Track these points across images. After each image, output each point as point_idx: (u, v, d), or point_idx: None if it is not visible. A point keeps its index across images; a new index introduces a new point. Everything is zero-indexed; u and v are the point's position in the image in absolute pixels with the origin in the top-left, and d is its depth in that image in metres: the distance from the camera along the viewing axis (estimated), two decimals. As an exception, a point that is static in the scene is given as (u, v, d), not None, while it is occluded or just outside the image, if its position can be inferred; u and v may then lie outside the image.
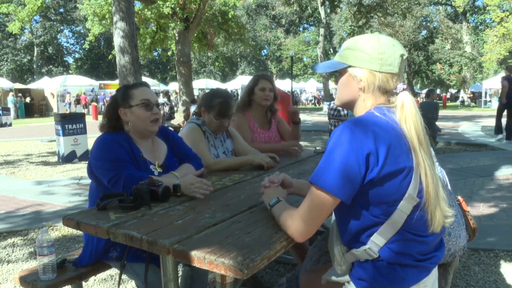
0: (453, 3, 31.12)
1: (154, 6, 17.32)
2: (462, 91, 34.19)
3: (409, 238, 1.23)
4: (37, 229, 3.86)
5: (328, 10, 29.18)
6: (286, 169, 2.44)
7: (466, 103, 30.93)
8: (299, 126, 3.23)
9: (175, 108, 15.25)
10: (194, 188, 1.79)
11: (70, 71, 44.45)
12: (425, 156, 1.20)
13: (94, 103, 23.49)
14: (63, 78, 28.08)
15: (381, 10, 27.40)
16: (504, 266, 2.94)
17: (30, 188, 5.64)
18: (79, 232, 3.44)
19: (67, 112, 21.51)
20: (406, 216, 1.20)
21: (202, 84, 33.77)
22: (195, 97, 18.17)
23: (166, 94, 13.98)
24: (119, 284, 1.81)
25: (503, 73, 12.11)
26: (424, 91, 15.28)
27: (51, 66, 44.26)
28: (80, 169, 7.11)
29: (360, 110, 1.31)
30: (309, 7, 31.53)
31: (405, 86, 1.26)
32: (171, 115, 11.87)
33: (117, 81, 14.05)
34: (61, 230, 3.82)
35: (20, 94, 25.30)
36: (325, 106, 22.88)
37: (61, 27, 45.41)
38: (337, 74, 1.37)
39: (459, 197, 2.00)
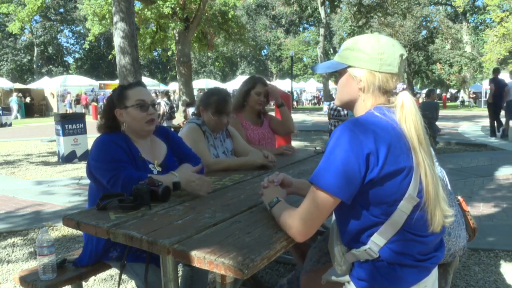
0: (453, 3, 31.11)
1: (154, 6, 17.32)
2: (462, 91, 34.19)
3: (409, 238, 1.23)
4: (37, 229, 3.86)
5: (328, 10, 29.18)
6: (286, 169, 2.44)
7: (466, 103, 30.93)
8: (284, 108, 3.23)
9: (175, 108, 15.24)
10: (195, 186, 1.80)
11: (70, 71, 44.45)
12: (425, 156, 1.21)
13: (94, 103, 23.49)
14: (63, 78, 28.07)
15: (381, 10, 27.40)
16: (504, 266, 2.94)
17: (30, 188, 5.64)
18: (79, 232, 3.44)
19: (68, 112, 21.56)
20: (406, 216, 1.20)
21: (202, 84, 33.76)
22: (195, 98, 18.17)
23: (166, 94, 13.97)
24: (119, 284, 1.81)
25: (503, 73, 12.54)
26: (424, 91, 15.30)
27: (51, 66, 44.26)
28: (80, 169, 7.11)
29: (360, 110, 1.31)
30: (309, 7, 31.53)
31: (404, 86, 1.26)
32: (171, 115, 11.87)
33: (117, 81, 14.04)
34: (61, 230, 3.82)
35: (20, 94, 25.30)
36: (325, 106, 22.88)
37: (61, 27, 45.42)
38: (337, 74, 1.38)
39: (459, 197, 2.00)
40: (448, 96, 37.38)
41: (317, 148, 3.20)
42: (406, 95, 1.25)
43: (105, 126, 1.97)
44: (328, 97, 26.34)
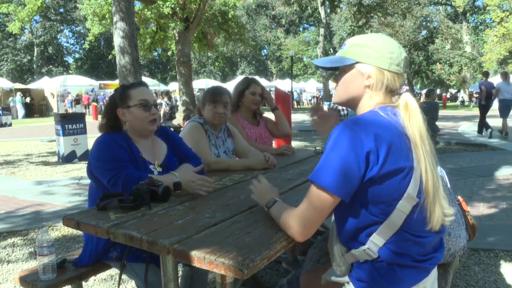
0: (453, 3, 31.11)
1: (154, 6, 17.32)
2: (462, 91, 34.18)
3: (408, 238, 1.23)
4: (37, 229, 3.86)
5: (328, 10, 29.16)
6: (286, 169, 2.44)
7: (466, 103, 30.92)
8: (278, 112, 3.29)
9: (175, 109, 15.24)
10: (196, 186, 1.80)
11: (70, 71, 44.44)
12: (426, 154, 1.21)
13: (94, 103, 23.49)
14: (63, 78, 28.07)
15: (381, 10, 27.39)
16: (504, 266, 2.94)
17: (30, 188, 5.64)
18: (79, 232, 3.44)
19: (68, 112, 21.55)
20: (405, 216, 1.20)
21: (202, 84, 33.76)
22: (195, 98, 18.16)
23: (167, 94, 13.96)
24: (119, 284, 1.81)
25: None
26: (424, 91, 15.35)
27: (51, 66, 44.26)
28: (80, 169, 7.11)
29: (364, 107, 1.31)
30: (309, 7, 31.52)
31: (407, 88, 1.28)
32: (171, 115, 11.87)
33: (117, 81, 14.03)
34: (61, 230, 3.82)
35: (21, 94, 25.31)
36: (325, 106, 22.88)
37: (61, 27, 45.41)
38: (337, 72, 1.37)
39: (459, 197, 2.00)
40: (448, 96, 37.36)
41: (317, 148, 3.20)
42: (409, 96, 1.27)
43: (106, 125, 1.97)
44: (328, 97, 26.33)
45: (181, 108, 20.48)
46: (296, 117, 18.27)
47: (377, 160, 1.16)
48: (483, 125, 10.74)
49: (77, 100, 25.68)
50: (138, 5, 17.06)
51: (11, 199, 5.08)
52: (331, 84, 29.89)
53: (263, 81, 33.77)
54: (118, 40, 7.41)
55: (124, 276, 2.14)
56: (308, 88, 39.39)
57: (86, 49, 36.92)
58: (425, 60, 33.24)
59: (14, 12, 16.74)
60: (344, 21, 31.39)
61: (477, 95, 32.29)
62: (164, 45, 23.07)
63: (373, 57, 1.26)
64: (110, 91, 26.47)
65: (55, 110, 24.96)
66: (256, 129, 3.15)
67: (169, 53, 25.10)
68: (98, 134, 1.97)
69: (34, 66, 41.99)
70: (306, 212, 1.24)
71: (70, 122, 7.92)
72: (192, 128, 2.49)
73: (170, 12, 18.14)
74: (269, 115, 3.40)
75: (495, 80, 14.02)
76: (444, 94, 34.82)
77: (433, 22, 33.76)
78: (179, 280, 1.70)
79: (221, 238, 1.31)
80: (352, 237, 1.27)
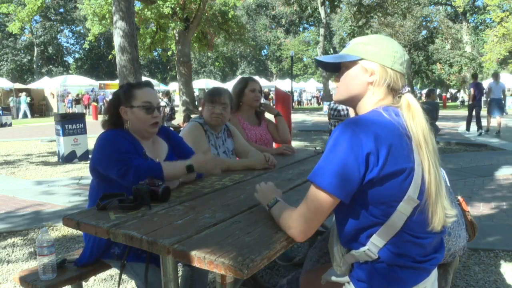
0: (453, 3, 31.12)
1: (154, 6, 17.33)
2: (462, 91, 34.17)
3: (408, 239, 1.23)
4: (37, 229, 3.86)
5: (328, 10, 29.17)
6: (286, 169, 2.44)
7: (466, 103, 30.93)
8: (281, 118, 3.29)
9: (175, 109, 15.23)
10: (208, 166, 1.92)
11: (70, 71, 44.45)
12: (430, 154, 1.21)
13: (94, 103, 23.49)
14: (63, 78, 28.07)
15: (381, 10, 27.40)
16: (504, 266, 2.94)
17: (30, 188, 5.64)
18: (79, 232, 3.44)
19: (68, 111, 21.57)
20: (405, 218, 1.20)
21: (202, 84, 33.76)
22: (195, 98, 18.16)
23: (167, 94, 13.96)
24: (119, 284, 1.81)
25: (503, 73, 13.79)
26: (424, 91, 15.40)
27: (51, 66, 44.27)
28: (80, 169, 7.11)
29: (365, 105, 1.30)
30: (309, 7, 31.53)
31: (409, 88, 1.28)
32: (171, 116, 11.87)
33: (117, 81, 14.03)
34: (61, 230, 3.82)
35: (20, 94, 25.32)
36: (325, 106, 22.87)
37: (61, 27, 45.43)
38: (338, 72, 1.36)
39: (459, 197, 2.00)
40: (448, 96, 37.36)
41: (317, 148, 3.21)
42: (411, 96, 1.27)
43: (109, 122, 1.97)
44: (328, 97, 26.32)
45: (181, 108, 20.48)
46: (296, 117, 18.27)
47: (377, 162, 1.15)
48: (470, 123, 11.69)
49: (77, 100, 25.69)
50: (138, 5, 17.07)
51: (11, 199, 5.08)
52: (331, 84, 29.92)
53: (263, 81, 33.79)
54: (118, 40, 7.41)
55: (124, 276, 2.14)
56: (308, 88, 39.40)
57: (86, 49, 36.93)
58: (425, 60, 33.24)
59: (14, 12, 16.76)
60: (344, 21, 31.40)
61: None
62: (164, 45, 23.08)
63: (377, 54, 1.27)
64: (110, 91, 26.50)
65: (55, 110, 24.96)
66: (257, 130, 3.14)
67: (169, 53, 25.11)
68: (98, 134, 1.97)
69: (34, 66, 42.00)
70: (305, 212, 1.24)
71: (70, 122, 7.92)
72: (191, 128, 2.49)
73: (170, 12, 18.15)
74: (270, 116, 3.39)
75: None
76: (444, 94, 34.82)
77: (433, 22, 33.78)
78: (179, 280, 1.70)
79: (221, 238, 1.31)
80: (352, 238, 1.27)
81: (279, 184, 1.94)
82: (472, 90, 11.36)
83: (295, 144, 9.12)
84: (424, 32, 33.64)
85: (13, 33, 17.99)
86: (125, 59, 7.38)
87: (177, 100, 25.40)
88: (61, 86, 26.10)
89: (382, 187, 1.17)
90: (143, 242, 1.32)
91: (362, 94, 1.31)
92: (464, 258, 3.04)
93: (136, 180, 1.71)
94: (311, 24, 48.45)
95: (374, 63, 1.27)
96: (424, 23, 33.35)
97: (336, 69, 1.38)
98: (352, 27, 28.53)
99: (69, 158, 7.88)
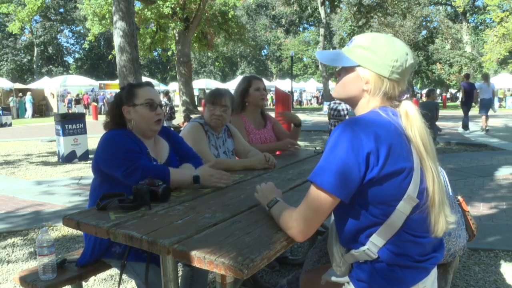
0: (453, 3, 31.13)
1: (154, 6, 17.34)
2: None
3: (408, 239, 1.23)
4: (37, 229, 3.86)
5: (328, 10, 29.18)
6: (286, 169, 2.44)
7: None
8: (299, 129, 3.24)
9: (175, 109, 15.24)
10: (214, 179, 1.92)
11: (70, 71, 44.46)
12: (431, 164, 1.21)
13: (94, 103, 23.49)
14: (63, 78, 28.06)
15: (381, 10, 27.41)
16: (504, 266, 2.94)
17: (30, 188, 5.64)
18: (79, 232, 3.44)
19: (68, 111, 21.57)
20: (405, 217, 1.20)
21: (202, 84, 33.77)
22: (195, 98, 18.17)
23: (166, 94, 13.97)
24: (119, 284, 1.81)
25: (503, 73, 14.10)
26: (424, 91, 15.44)
27: (51, 66, 44.27)
28: (80, 169, 7.11)
29: (362, 109, 1.30)
30: (309, 7, 31.55)
31: (408, 95, 1.26)
32: (171, 115, 11.89)
33: (117, 81, 14.03)
34: (61, 230, 3.82)
35: (20, 94, 25.33)
36: (325, 106, 22.87)
37: (61, 27, 45.43)
38: (339, 68, 1.36)
39: (459, 197, 2.00)
40: (448, 96, 37.38)
41: (317, 148, 3.20)
42: (409, 104, 1.24)
43: (111, 123, 1.98)
44: (328, 97, 26.32)
45: (181, 108, 20.48)
46: (296, 117, 18.24)
47: (377, 161, 1.15)
48: (468, 121, 12.07)
49: (78, 100, 25.69)
50: (138, 5, 17.07)
51: (11, 199, 5.07)
52: (331, 84, 29.92)
53: (263, 81, 33.73)
54: (118, 39, 7.41)
55: (124, 276, 2.14)
56: (308, 88, 39.41)
57: (86, 49, 36.99)
58: (425, 60, 33.27)
59: (14, 12, 16.76)
60: (344, 21, 31.43)
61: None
62: (164, 45, 23.09)
63: (375, 63, 1.24)
64: (110, 91, 26.53)
65: (55, 110, 24.96)
66: (261, 133, 3.05)
67: (169, 53, 25.11)
68: (98, 134, 1.97)
69: (34, 66, 42.01)
70: (305, 212, 1.24)
71: (70, 122, 7.92)
72: (192, 128, 2.49)
73: (170, 12, 18.15)
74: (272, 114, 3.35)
75: (494, 80, 15.19)
76: (444, 94, 34.82)
77: (433, 22, 33.81)
78: (179, 280, 1.70)
79: (221, 238, 1.31)
80: (352, 238, 1.27)
81: (279, 184, 1.94)
82: (463, 89, 11.99)
83: (295, 144, 9.10)
84: (424, 32, 33.68)
85: (13, 33, 18.00)
86: (125, 59, 7.38)
87: (177, 100, 25.41)
88: (61, 86, 26.10)
89: (382, 187, 1.17)
90: (143, 242, 1.32)
91: (358, 98, 1.30)
92: (464, 258, 3.04)
93: (142, 180, 1.72)
94: (311, 24, 48.49)
95: (370, 72, 1.25)
96: (424, 23, 33.38)
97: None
98: (352, 27, 28.56)
99: (69, 158, 7.88)
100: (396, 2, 26.70)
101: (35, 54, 41.67)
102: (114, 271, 2.82)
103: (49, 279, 1.77)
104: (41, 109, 26.52)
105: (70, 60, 49.57)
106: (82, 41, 43.11)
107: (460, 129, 12.13)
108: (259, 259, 1.16)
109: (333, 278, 1.35)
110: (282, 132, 3.21)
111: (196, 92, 28.08)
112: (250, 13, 49.93)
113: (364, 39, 1.28)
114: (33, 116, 24.46)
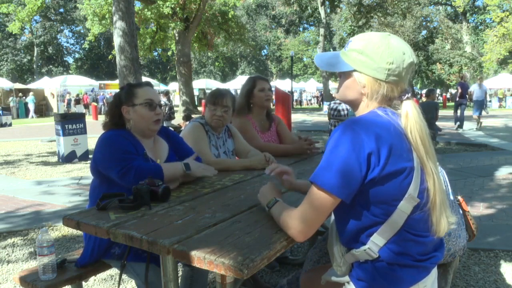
0: (453, 3, 31.14)
1: (154, 6, 17.34)
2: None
3: (408, 238, 1.23)
4: (37, 229, 3.86)
5: (328, 10, 29.17)
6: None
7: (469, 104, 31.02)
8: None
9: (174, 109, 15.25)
10: (202, 170, 2.02)
11: (70, 71, 44.47)
12: (432, 165, 1.21)
13: (94, 103, 23.49)
14: (63, 78, 28.05)
15: (381, 10, 27.40)
16: (504, 266, 2.94)
17: (30, 188, 5.64)
18: (79, 232, 3.44)
19: (68, 112, 21.57)
20: (406, 216, 1.20)
21: (202, 84, 33.78)
22: (194, 98, 18.17)
23: (166, 94, 13.97)
24: (119, 284, 1.81)
25: (503, 73, 14.80)
26: (424, 91, 15.48)
27: (51, 66, 44.28)
28: (80, 169, 7.11)
29: (362, 112, 1.30)
30: (309, 7, 31.54)
31: (409, 94, 1.25)
32: (170, 115, 11.88)
33: (117, 81, 14.03)
34: (61, 230, 3.82)
35: (20, 94, 25.33)
36: (325, 106, 22.87)
37: (61, 27, 45.43)
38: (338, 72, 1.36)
39: (459, 197, 2.00)
40: (448, 96, 37.39)
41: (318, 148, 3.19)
42: (410, 105, 1.23)
43: (110, 123, 1.99)
44: (328, 97, 26.32)
45: (181, 108, 20.48)
46: (296, 117, 18.27)
47: (379, 162, 1.15)
48: (463, 120, 12.69)
49: (78, 100, 25.70)
50: (138, 5, 17.07)
51: (11, 199, 5.08)
52: (331, 84, 29.93)
53: (263, 81, 33.70)
54: (118, 39, 7.42)
55: (124, 276, 2.14)
56: (308, 88, 39.40)
57: (86, 49, 36.99)
58: (425, 60, 33.26)
59: (14, 12, 16.76)
60: (344, 21, 31.42)
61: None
62: (164, 45, 23.09)
63: (370, 67, 1.23)
64: (110, 91, 26.52)
65: (55, 110, 24.96)
66: (265, 136, 3.01)
67: (169, 53, 25.11)
68: (98, 134, 1.97)
69: (34, 66, 42.02)
70: (306, 212, 1.24)
71: (70, 122, 7.92)
72: (193, 128, 2.49)
73: (170, 12, 18.15)
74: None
75: (494, 80, 15.61)
76: (444, 94, 34.82)
77: (433, 22, 33.80)
78: (179, 280, 1.70)
79: (221, 238, 1.31)
80: (353, 237, 1.27)
81: (278, 184, 1.94)
82: (458, 88, 12.66)
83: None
84: (424, 32, 33.67)
85: (13, 33, 18.01)
86: (125, 59, 7.38)
87: (177, 100, 25.41)
88: (61, 86, 26.10)
89: (383, 187, 1.18)
90: (143, 242, 1.32)
91: (358, 101, 1.30)
92: (464, 258, 3.05)
93: (136, 181, 1.71)
94: (311, 24, 48.46)
95: (366, 76, 1.24)
96: (424, 23, 33.37)
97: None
98: (352, 27, 28.55)
99: (69, 158, 7.88)
100: (396, 2, 26.70)
101: (35, 54, 41.67)
102: (114, 271, 2.82)
103: (49, 279, 1.77)
104: (41, 109, 26.51)
105: (70, 60, 49.65)
106: (82, 41, 43.10)
107: (454, 129, 12.28)
108: (259, 259, 1.16)
109: (333, 278, 1.35)
110: (285, 132, 3.15)
111: (196, 92, 28.08)
112: (250, 13, 49.93)
113: (359, 42, 1.27)
114: (23, 116, 24.49)
